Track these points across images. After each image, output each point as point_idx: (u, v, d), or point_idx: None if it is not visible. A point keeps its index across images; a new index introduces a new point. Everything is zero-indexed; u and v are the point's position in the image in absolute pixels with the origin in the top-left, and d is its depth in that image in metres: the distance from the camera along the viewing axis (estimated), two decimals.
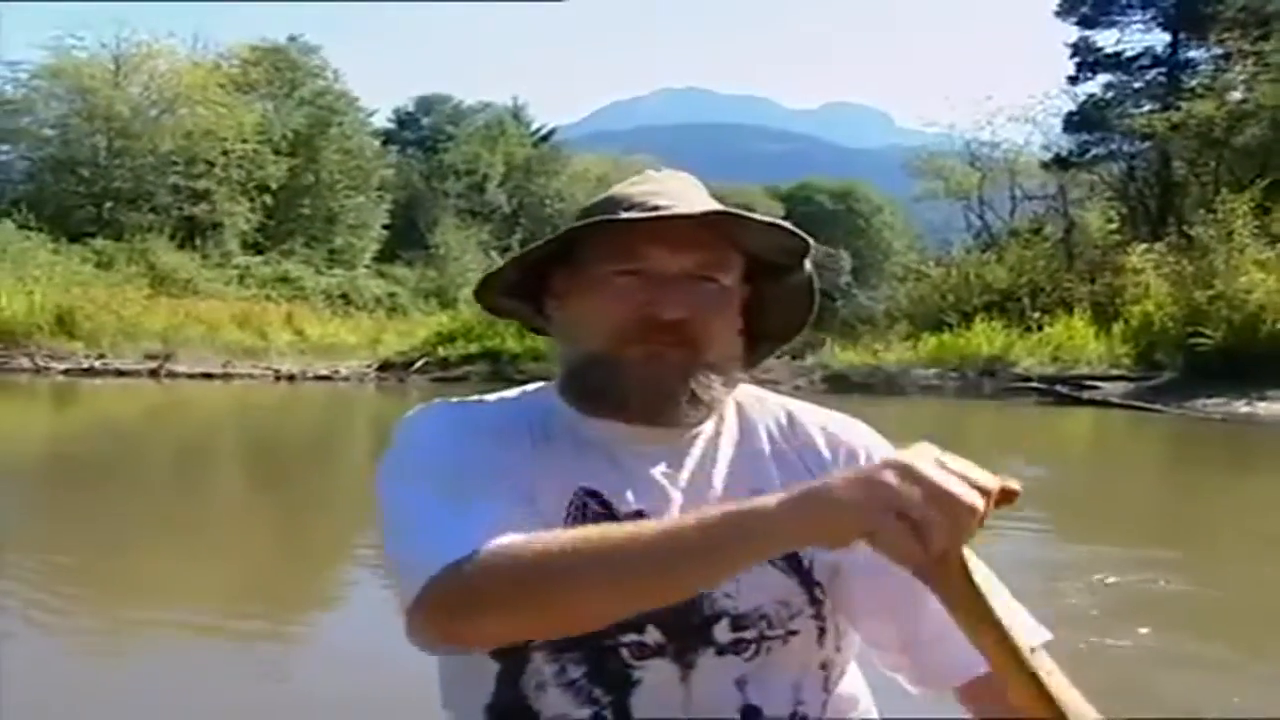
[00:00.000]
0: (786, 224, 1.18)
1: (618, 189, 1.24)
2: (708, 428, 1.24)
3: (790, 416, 1.28)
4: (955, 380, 20.12)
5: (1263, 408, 14.23)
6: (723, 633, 1.13)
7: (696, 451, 1.22)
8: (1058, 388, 17.68)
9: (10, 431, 12.07)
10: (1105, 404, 15.93)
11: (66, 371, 19.49)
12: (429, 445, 1.17)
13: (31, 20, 44.09)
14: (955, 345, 22.02)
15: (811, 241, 1.21)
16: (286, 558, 5.89)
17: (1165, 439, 12.74)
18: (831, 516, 0.88)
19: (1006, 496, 0.88)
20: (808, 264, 1.24)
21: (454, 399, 1.26)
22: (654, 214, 1.14)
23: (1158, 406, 14.98)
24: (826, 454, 1.24)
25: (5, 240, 25.43)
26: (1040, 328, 22.12)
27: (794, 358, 21.77)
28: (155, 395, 17.84)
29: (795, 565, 1.16)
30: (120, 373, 19.83)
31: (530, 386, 1.30)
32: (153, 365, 20.43)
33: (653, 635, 1.11)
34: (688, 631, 1.12)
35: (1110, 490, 9.04)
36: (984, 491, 0.86)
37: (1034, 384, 18.47)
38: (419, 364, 22.63)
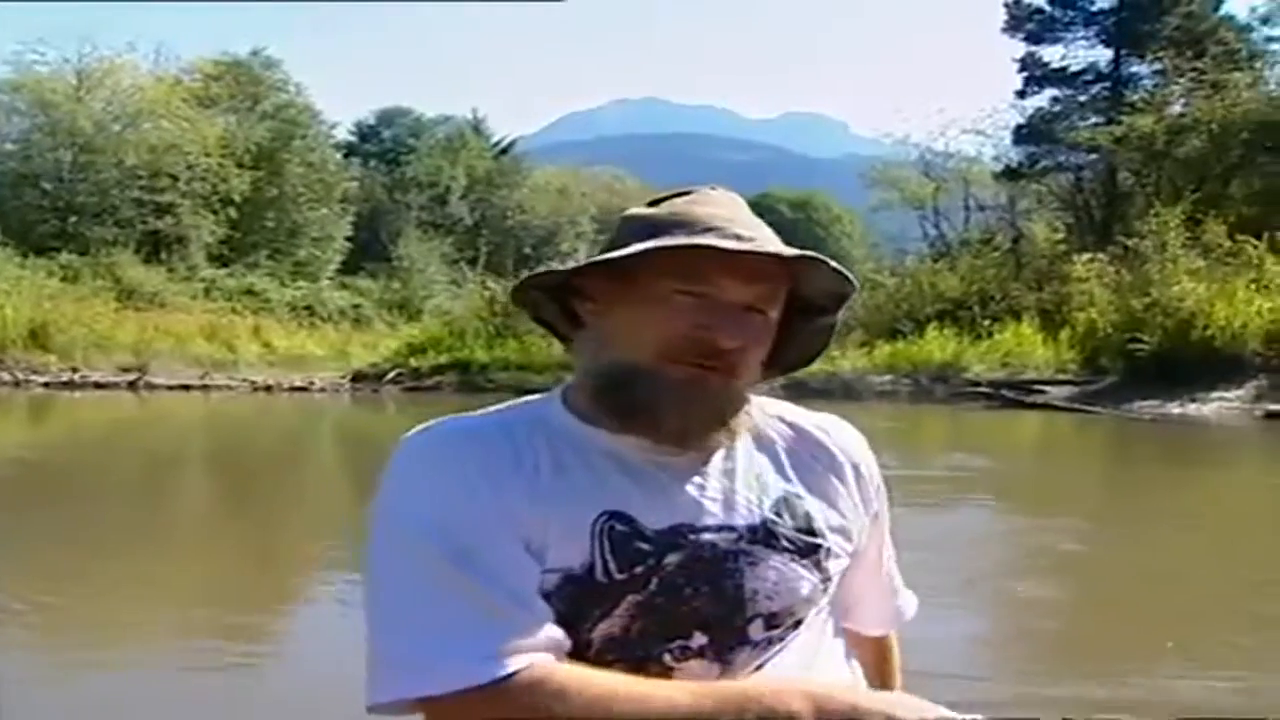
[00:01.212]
0: (850, 274, 1.20)
1: (678, 206, 1.22)
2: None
3: (791, 420, 1.31)
4: (909, 386, 20.82)
5: (1192, 409, 15.06)
6: (757, 631, 1.15)
7: (718, 460, 1.21)
8: (1004, 392, 18.42)
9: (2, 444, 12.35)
10: (1048, 407, 16.70)
11: (46, 384, 19.78)
12: (427, 508, 1.12)
13: None
14: (909, 352, 22.71)
15: (858, 287, 1.23)
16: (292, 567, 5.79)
17: (1098, 437, 13.55)
18: None
19: None
20: (840, 310, 1.27)
21: (447, 428, 1.21)
22: (746, 248, 1.13)
23: (1097, 409, 15.76)
24: (838, 455, 1.29)
25: None
26: (990, 334, 22.77)
27: None
28: (137, 407, 18.11)
29: (817, 564, 1.21)
30: (99, 385, 20.18)
31: (526, 400, 1.28)
32: (131, 378, 20.78)
33: (698, 640, 1.13)
34: (730, 634, 1.14)
35: (1043, 478, 10.08)
36: None
37: (983, 389, 19.20)
38: (391, 374, 23.15)
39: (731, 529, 1.17)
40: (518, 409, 1.25)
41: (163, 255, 34.22)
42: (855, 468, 1.30)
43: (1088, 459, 11.82)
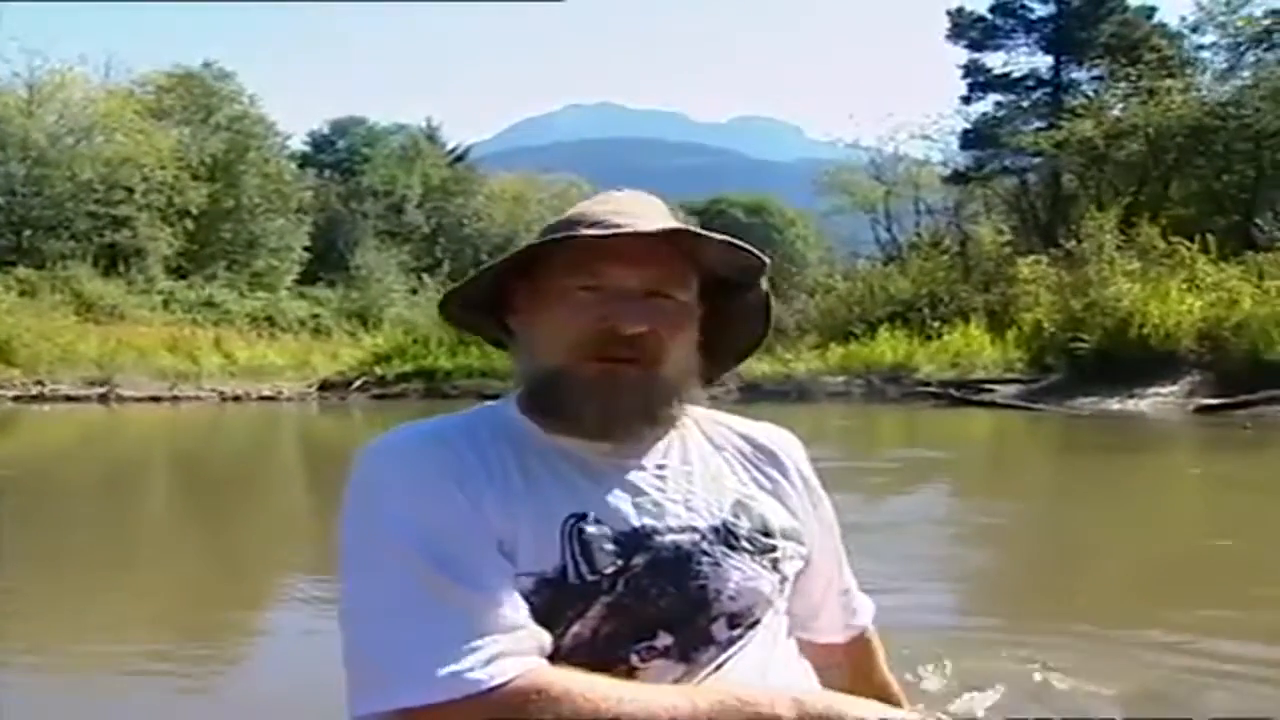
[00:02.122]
0: (743, 243, 1.22)
1: (581, 207, 1.26)
2: (676, 442, 1.27)
3: (738, 429, 1.36)
4: (861, 387, 21.39)
5: (1131, 404, 15.74)
6: (721, 630, 1.17)
7: (676, 463, 1.25)
8: (952, 391, 19.06)
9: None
10: (994, 405, 17.33)
11: (16, 398, 19.94)
12: (404, 514, 1.12)
13: None
14: (861, 354, 23.30)
15: (767, 260, 1.26)
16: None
17: (1038, 432, 14.18)
18: None
19: None
20: (764, 282, 1.30)
21: (411, 434, 1.22)
22: (613, 231, 1.16)
23: (1040, 406, 16.43)
24: (784, 460, 1.35)
25: None
26: (940, 336, 23.35)
27: None
28: (109, 419, 18.24)
29: (774, 564, 1.24)
30: (70, 398, 20.37)
31: (483, 406, 1.30)
32: (101, 390, 21.01)
33: (663, 640, 1.15)
34: (694, 633, 1.16)
35: (985, 467, 10.85)
36: None
37: (933, 388, 19.84)
38: (358, 383, 23.57)
39: (694, 530, 1.19)
40: (476, 414, 1.27)
41: (120, 268, 34.02)
42: (800, 473, 1.36)
43: (1027, 451, 12.57)
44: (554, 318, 1.20)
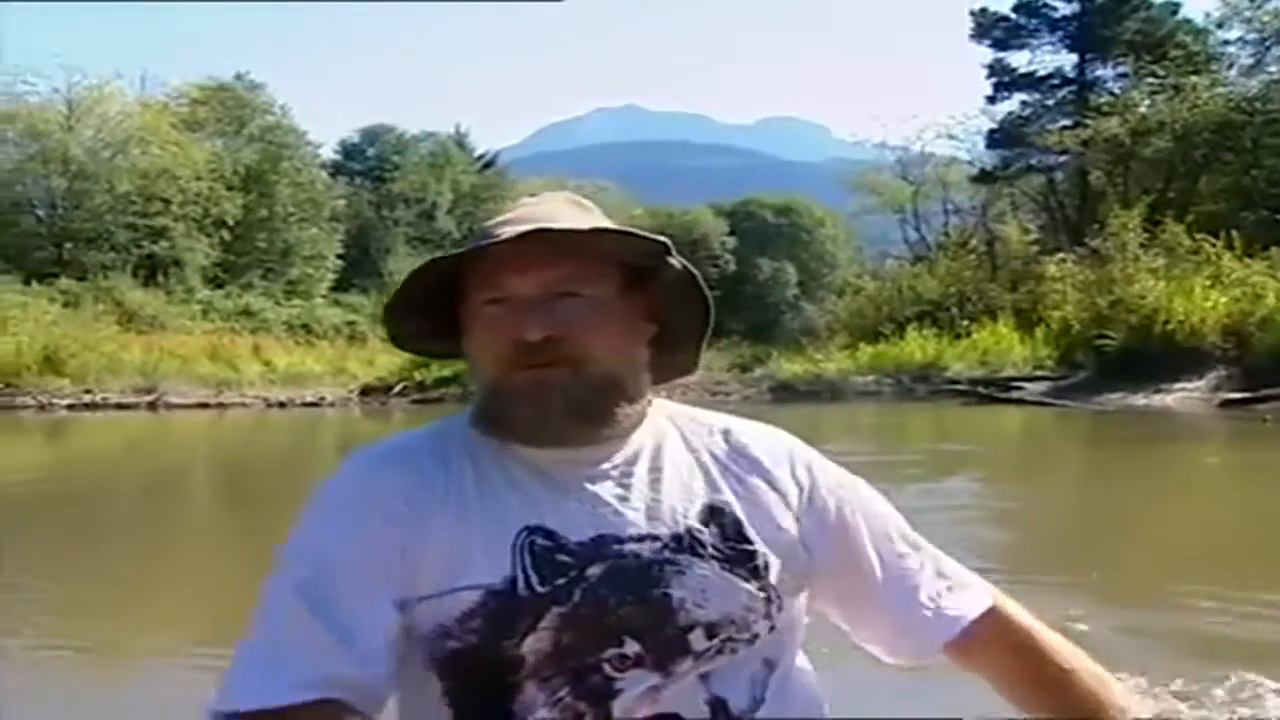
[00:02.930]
0: (626, 228, 1.20)
1: (492, 220, 1.26)
2: (648, 445, 1.24)
3: (726, 432, 1.30)
4: (891, 386, 21.68)
5: (1156, 400, 15.94)
6: (699, 641, 1.14)
7: (643, 470, 1.22)
8: (980, 389, 19.30)
9: (51, 461, 13.15)
10: (1022, 402, 17.58)
11: (70, 406, 20.50)
12: (308, 533, 1.17)
13: None
14: (890, 353, 23.60)
15: (661, 239, 1.21)
16: None
17: (1064, 427, 14.53)
18: None
19: None
20: (674, 259, 1.24)
21: (378, 453, 1.25)
22: (479, 244, 1.18)
23: (1067, 402, 16.68)
24: (770, 463, 1.27)
25: None
26: (968, 334, 23.63)
27: (743, 370, 23.39)
28: (160, 426, 18.73)
29: (754, 572, 1.19)
30: (120, 406, 20.93)
31: (454, 417, 1.29)
32: (150, 398, 21.58)
33: (631, 647, 1.13)
34: (664, 641, 1.14)
35: (1012, 459, 11.38)
36: None
37: (961, 386, 20.07)
38: (398, 388, 24.14)
39: (655, 538, 1.17)
40: (445, 424, 1.28)
41: (159, 278, 34.59)
42: (795, 476, 1.28)
43: (1051, 444, 13.04)
44: (476, 335, 1.21)
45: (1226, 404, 14.75)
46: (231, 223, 38.55)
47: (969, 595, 1.30)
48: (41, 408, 20.30)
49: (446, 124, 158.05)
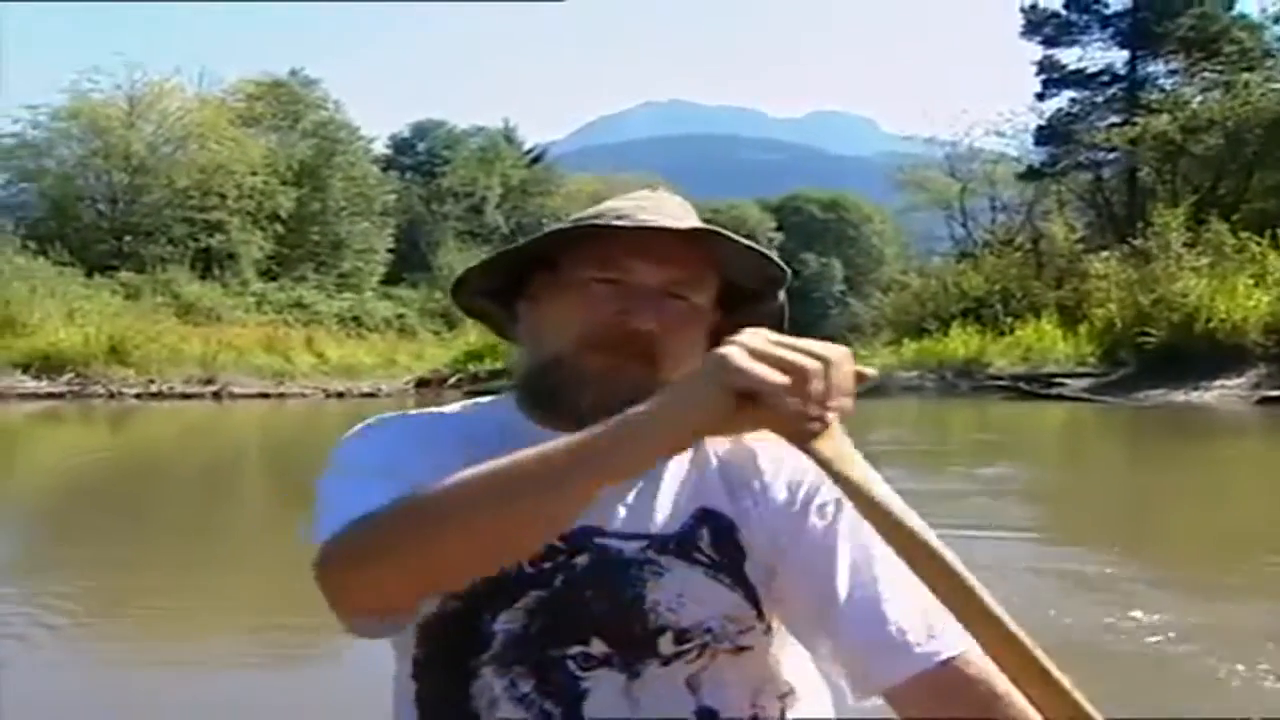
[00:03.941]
0: (768, 251, 1.17)
1: (609, 202, 1.24)
2: None
3: (726, 435, 1.21)
4: (934, 381, 21.89)
5: (1195, 396, 16.08)
6: (666, 645, 1.12)
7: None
8: (1021, 385, 19.45)
9: (141, 446, 13.92)
10: (1061, 398, 17.76)
11: (138, 395, 21.36)
12: (362, 445, 1.19)
13: (49, 65, 45.39)
14: (934, 349, 23.78)
15: (789, 271, 1.20)
16: None
17: (1102, 421, 14.78)
18: (693, 403, 0.90)
19: (860, 378, 0.92)
20: (782, 294, 1.23)
21: (398, 417, 1.25)
22: (641, 224, 1.14)
23: (1106, 398, 16.83)
24: (775, 469, 1.21)
25: (43, 276, 26.85)
26: (1012, 331, 23.75)
27: None
28: (230, 414, 19.48)
29: (741, 580, 1.15)
30: (185, 395, 21.82)
31: (486, 399, 1.30)
32: (214, 388, 22.47)
33: (598, 646, 1.11)
34: (631, 643, 1.12)
35: (1048, 448, 11.97)
36: (824, 360, 0.88)
37: (1003, 382, 20.22)
38: (452, 380, 24.94)
39: (643, 537, 1.15)
40: (470, 405, 1.29)
41: (214, 271, 35.38)
42: (789, 488, 1.20)
43: (1086, 436, 13.42)
44: (565, 307, 1.17)
45: (1265, 401, 14.84)
46: (285, 216, 39.23)
47: (948, 634, 1.05)
48: (111, 396, 21.08)
49: (495, 118, 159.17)
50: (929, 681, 1.06)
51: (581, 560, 1.12)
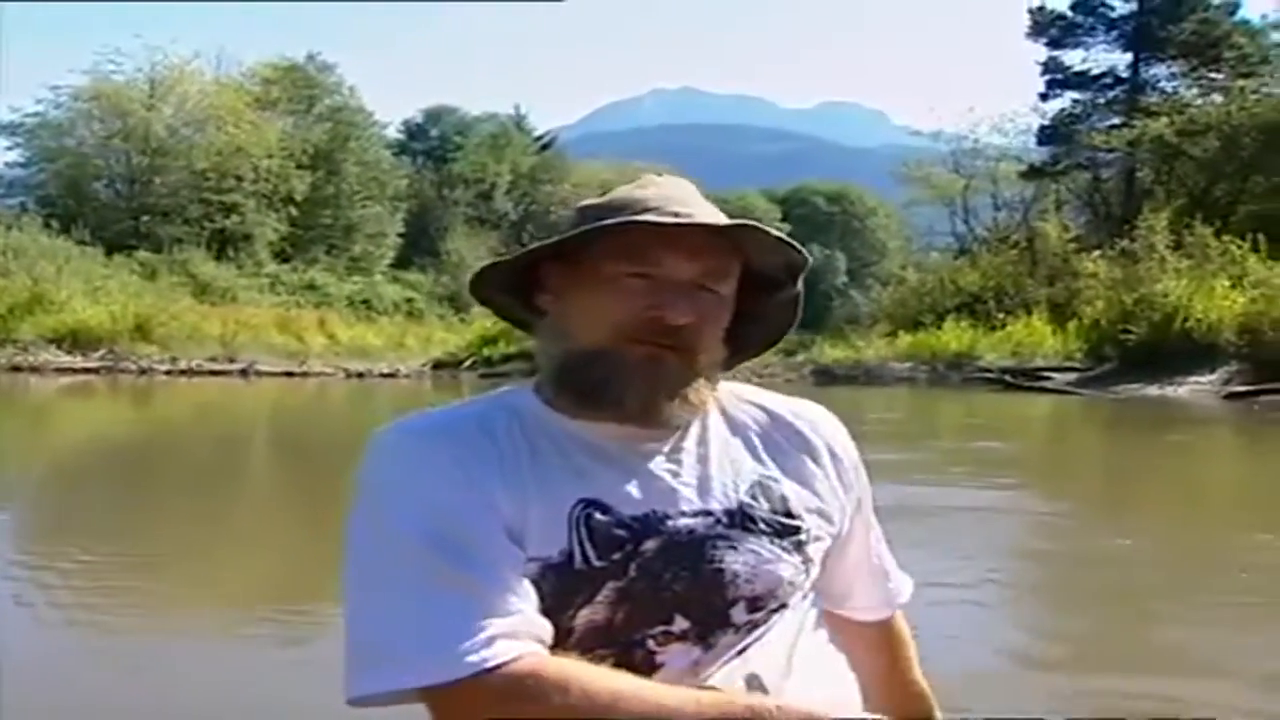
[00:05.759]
0: (795, 243, 1.18)
1: (623, 192, 1.23)
2: (696, 423, 1.22)
3: (765, 405, 1.30)
4: (926, 372, 22.67)
5: (1170, 391, 16.94)
6: (740, 614, 1.14)
7: (691, 445, 1.21)
8: (1007, 377, 20.26)
9: (186, 418, 14.80)
10: (1044, 390, 18.60)
11: (168, 372, 22.23)
12: (409, 502, 1.10)
13: (70, 46, 45.92)
14: (928, 342, 24.48)
15: (809, 259, 1.22)
16: None
17: (1076, 412, 15.72)
18: None
19: None
20: (799, 282, 1.26)
21: (419, 425, 1.19)
22: (680, 220, 1.14)
23: (1085, 391, 17.69)
24: (812, 438, 1.27)
25: (66, 255, 27.54)
26: (1003, 326, 24.43)
27: (788, 354, 24.49)
28: (260, 390, 20.16)
29: (798, 546, 1.19)
30: (213, 373, 22.74)
31: (498, 392, 1.27)
32: (242, 366, 23.45)
33: (679, 623, 1.12)
34: (712, 615, 1.13)
35: (1025, 433, 13.18)
36: None
37: (991, 374, 21.03)
38: (468, 363, 25.96)
39: (708, 513, 1.16)
40: (492, 400, 1.25)
41: (229, 252, 36.04)
42: (831, 450, 1.29)
43: (1062, 426, 14.35)
44: (597, 301, 1.16)
45: (1231, 396, 15.72)
46: (299, 199, 39.87)
47: (905, 583, 1.43)
48: (141, 372, 21.95)
49: (506, 105, 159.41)
50: (882, 619, 1.42)
51: (651, 545, 1.13)
